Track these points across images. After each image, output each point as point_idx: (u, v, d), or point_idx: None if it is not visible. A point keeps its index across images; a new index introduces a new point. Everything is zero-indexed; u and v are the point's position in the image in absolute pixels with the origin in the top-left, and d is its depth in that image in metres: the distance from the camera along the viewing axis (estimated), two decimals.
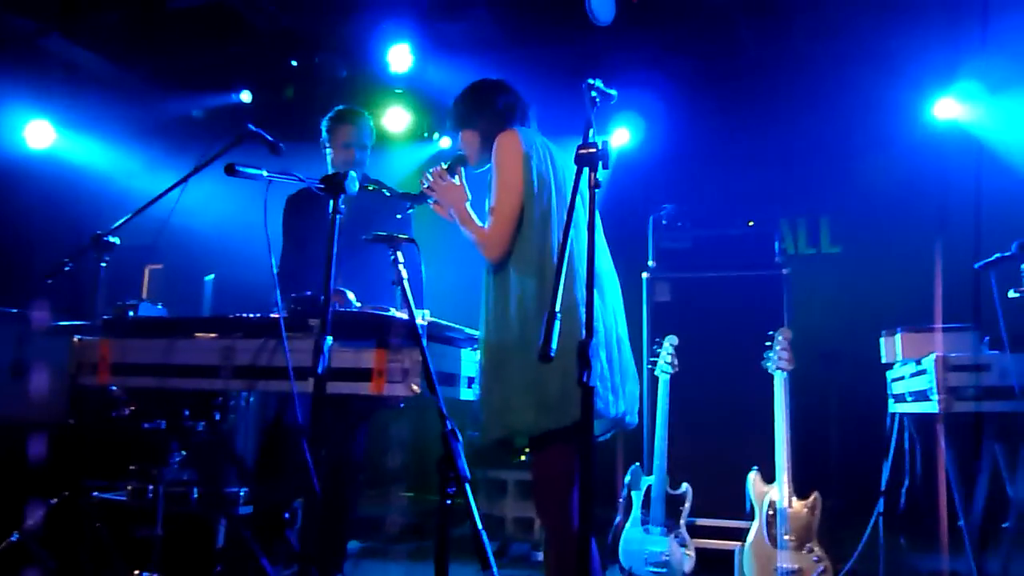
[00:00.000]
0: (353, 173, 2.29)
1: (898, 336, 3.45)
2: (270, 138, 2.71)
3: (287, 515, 2.72)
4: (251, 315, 2.58)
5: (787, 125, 5.51)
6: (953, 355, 2.99)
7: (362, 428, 3.15)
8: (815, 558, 3.28)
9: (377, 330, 2.38)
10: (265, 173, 2.28)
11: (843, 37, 5.30)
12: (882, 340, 3.65)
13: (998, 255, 2.63)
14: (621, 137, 5.65)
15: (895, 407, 3.66)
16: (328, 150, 3.42)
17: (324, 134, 3.42)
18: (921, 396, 3.17)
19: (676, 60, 5.61)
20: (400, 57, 5.50)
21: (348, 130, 3.36)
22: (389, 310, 2.44)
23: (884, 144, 5.50)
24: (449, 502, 1.96)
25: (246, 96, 6.15)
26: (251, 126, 2.72)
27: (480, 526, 1.91)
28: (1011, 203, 4.99)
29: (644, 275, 4.35)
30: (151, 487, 2.85)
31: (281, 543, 2.80)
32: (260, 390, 2.76)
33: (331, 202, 2.24)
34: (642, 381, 4.05)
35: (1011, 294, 2.56)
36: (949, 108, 5.19)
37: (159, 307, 2.93)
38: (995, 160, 5.24)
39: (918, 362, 3.21)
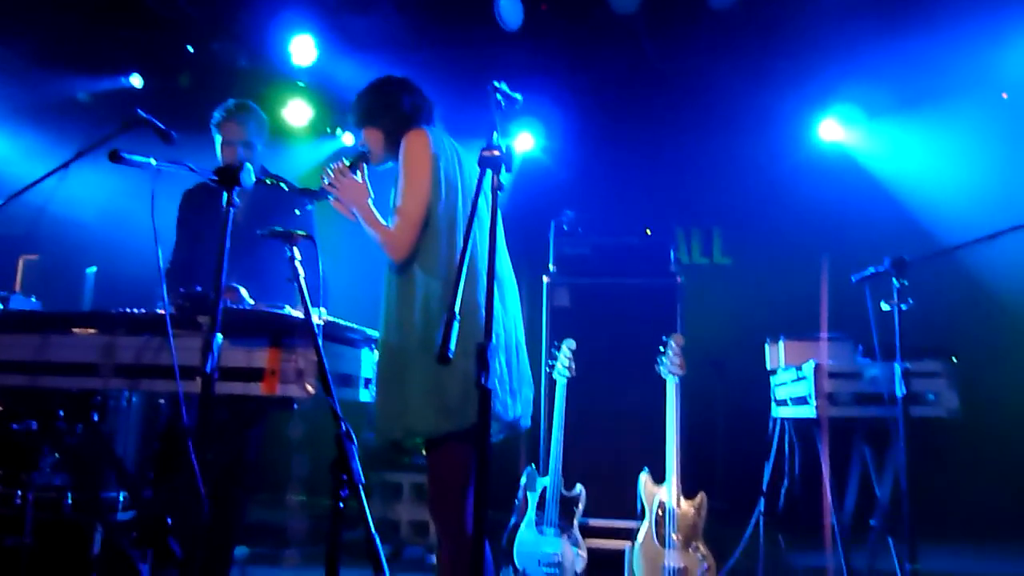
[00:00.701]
0: (249, 166, 2.21)
1: (781, 344, 3.63)
2: (161, 125, 2.58)
3: (170, 520, 2.60)
4: (135, 310, 2.45)
5: (685, 138, 5.72)
6: (830, 363, 3.18)
7: (255, 430, 3.05)
8: (700, 556, 3.41)
9: (271, 328, 2.31)
10: (153, 162, 2.17)
11: (740, 57, 5.55)
12: (767, 347, 3.83)
13: (873, 270, 2.79)
14: (525, 142, 5.72)
15: (777, 411, 3.84)
16: (216, 144, 3.28)
17: (212, 127, 3.27)
18: (801, 401, 3.35)
19: (581, 70, 5.73)
20: (303, 49, 5.37)
21: (232, 128, 3.19)
22: (284, 308, 2.37)
23: (775, 162, 5.80)
24: (342, 505, 1.92)
25: (136, 80, 5.86)
26: (140, 111, 2.59)
27: (373, 530, 1.88)
28: (887, 220, 5.36)
29: (544, 279, 4.41)
30: (19, 492, 2.67)
31: (163, 550, 2.67)
32: (144, 389, 2.63)
33: (224, 195, 2.16)
34: (540, 384, 4.11)
35: (883, 306, 2.72)
36: (832, 130, 5.52)
37: (33, 300, 2.74)
38: (872, 180, 5.62)
39: (799, 369, 3.39)
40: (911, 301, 2.63)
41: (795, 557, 4.03)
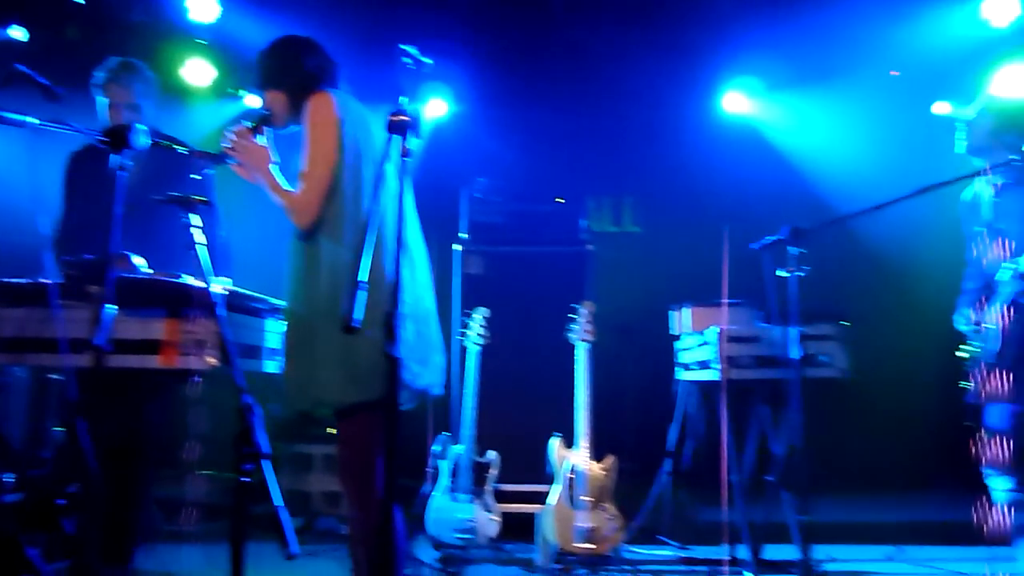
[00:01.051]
0: (141, 126, 2.09)
1: (686, 310, 3.75)
2: (44, 81, 2.40)
3: (62, 501, 2.48)
4: (17, 280, 2.30)
5: (597, 106, 5.75)
6: (731, 328, 3.30)
7: (156, 404, 2.93)
8: (609, 516, 3.51)
9: (168, 299, 2.22)
10: (33, 120, 2.03)
11: (651, 26, 5.60)
12: (672, 314, 3.94)
13: (772, 238, 2.89)
14: (437, 108, 5.63)
15: (682, 375, 3.97)
16: (100, 106, 3.06)
17: (94, 89, 3.06)
18: (704, 365, 3.47)
19: (494, 37, 5.66)
20: (204, 5, 5.10)
21: (115, 90, 2.99)
22: (182, 277, 2.28)
23: (684, 132, 5.91)
24: (246, 479, 1.88)
25: (18, 33, 5.42)
26: (19, 66, 2.39)
27: (280, 503, 1.85)
28: (787, 190, 5.57)
29: (457, 247, 4.38)
30: None
31: (56, 533, 2.55)
32: (30, 364, 2.49)
33: (115, 157, 2.04)
34: (452, 352, 4.11)
35: (781, 273, 2.83)
36: (735, 102, 5.65)
37: None
38: (773, 152, 5.82)
39: (702, 334, 3.50)
40: (807, 268, 2.74)
41: (699, 512, 4.21)
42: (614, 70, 5.71)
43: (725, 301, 3.69)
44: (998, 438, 2.95)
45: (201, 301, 2.15)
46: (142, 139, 2.08)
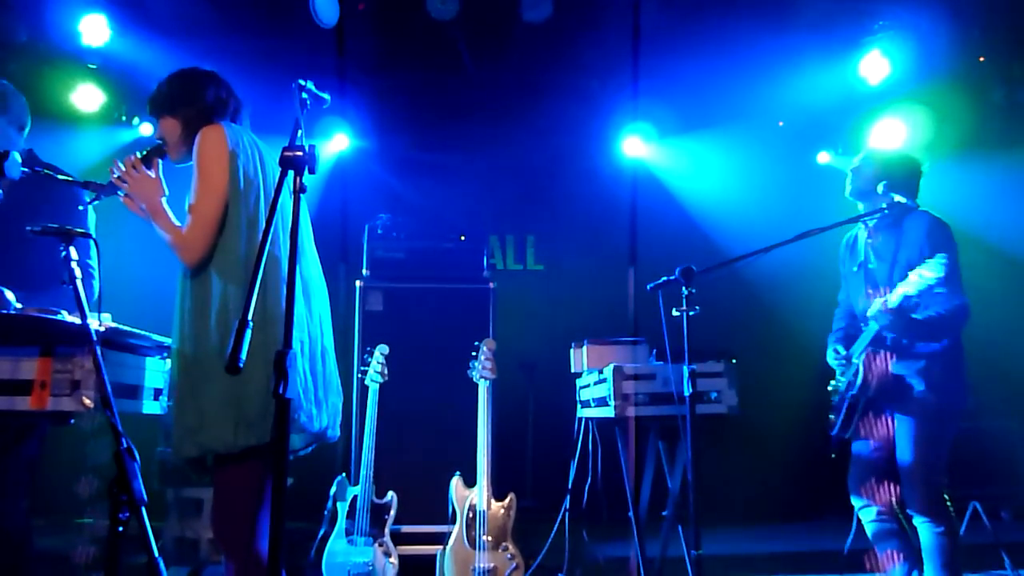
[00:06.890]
0: (15, 154, 1.98)
1: (584, 348, 3.81)
2: None
3: None
4: None
5: (502, 147, 5.85)
6: (627, 365, 3.37)
7: (27, 449, 2.73)
8: (509, 556, 3.49)
9: (41, 336, 2.08)
10: None
11: (554, 70, 5.76)
12: (572, 351, 4.00)
13: (665, 278, 2.99)
14: (340, 143, 5.58)
15: (582, 412, 4.02)
16: None
17: None
18: (602, 402, 3.52)
19: (398, 73, 5.70)
20: (94, 28, 4.91)
21: None
22: (60, 313, 2.15)
23: (587, 174, 6.07)
24: (121, 529, 1.77)
25: None
26: None
27: (156, 552, 1.75)
28: (683, 232, 5.79)
29: (358, 283, 4.33)
30: None
31: None
32: None
33: None
34: (352, 390, 4.03)
35: (674, 312, 2.92)
36: (634, 146, 5.86)
37: None
38: (669, 195, 6.05)
39: (600, 372, 3.56)
40: (697, 308, 2.84)
41: (598, 549, 4.23)
42: (519, 110, 5.83)
43: (618, 338, 3.77)
44: (863, 468, 3.11)
45: (78, 338, 2.03)
46: (16, 168, 1.97)
